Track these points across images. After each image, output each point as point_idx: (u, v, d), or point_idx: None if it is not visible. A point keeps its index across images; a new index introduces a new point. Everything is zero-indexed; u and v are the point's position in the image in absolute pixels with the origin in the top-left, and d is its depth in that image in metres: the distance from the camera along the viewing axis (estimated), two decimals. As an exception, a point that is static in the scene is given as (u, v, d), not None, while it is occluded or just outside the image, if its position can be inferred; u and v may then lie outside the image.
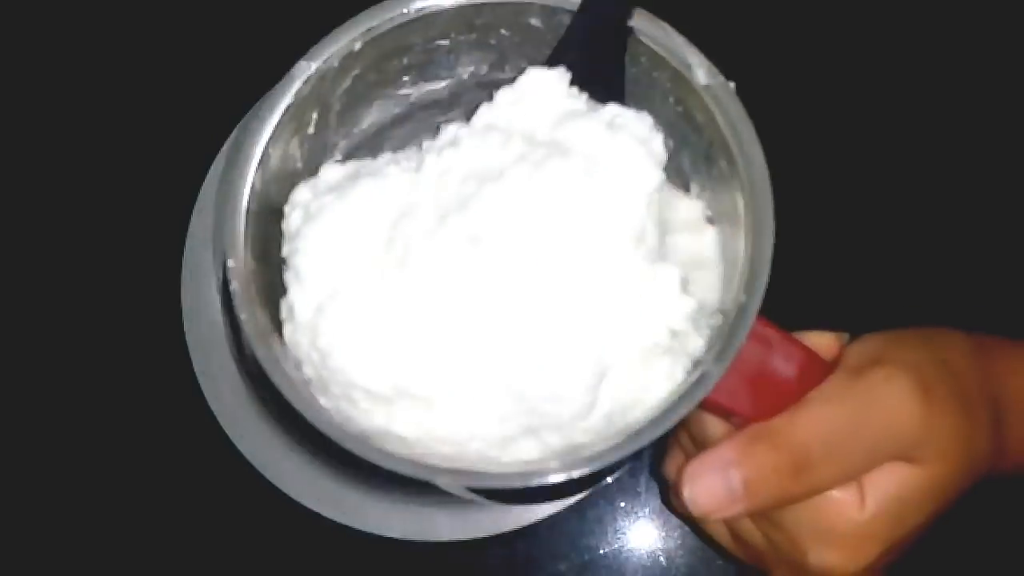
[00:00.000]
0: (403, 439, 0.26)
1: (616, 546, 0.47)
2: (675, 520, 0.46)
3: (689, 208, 0.30)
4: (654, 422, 0.23)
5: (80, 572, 0.47)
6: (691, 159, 0.30)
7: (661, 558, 0.46)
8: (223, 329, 0.43)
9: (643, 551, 0.46)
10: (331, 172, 0.28)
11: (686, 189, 0.31)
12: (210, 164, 0.47)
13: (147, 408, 0.48)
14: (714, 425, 0.26)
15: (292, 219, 0.27)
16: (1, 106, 0.52)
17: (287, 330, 0.26)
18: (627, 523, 0.47)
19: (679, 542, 0.46)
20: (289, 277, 0.27)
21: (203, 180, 0.47)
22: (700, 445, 0.27)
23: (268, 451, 0.42)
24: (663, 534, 0.46)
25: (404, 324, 0.24)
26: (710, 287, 0.28)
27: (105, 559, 0.47)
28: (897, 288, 0.48)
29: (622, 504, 0.47)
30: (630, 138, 0.26)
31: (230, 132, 0.47)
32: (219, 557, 0.47)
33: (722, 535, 0.29)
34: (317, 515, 0.43)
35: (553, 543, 0.47)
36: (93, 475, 0.48)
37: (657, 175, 0.26)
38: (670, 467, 0.29)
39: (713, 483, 0.23)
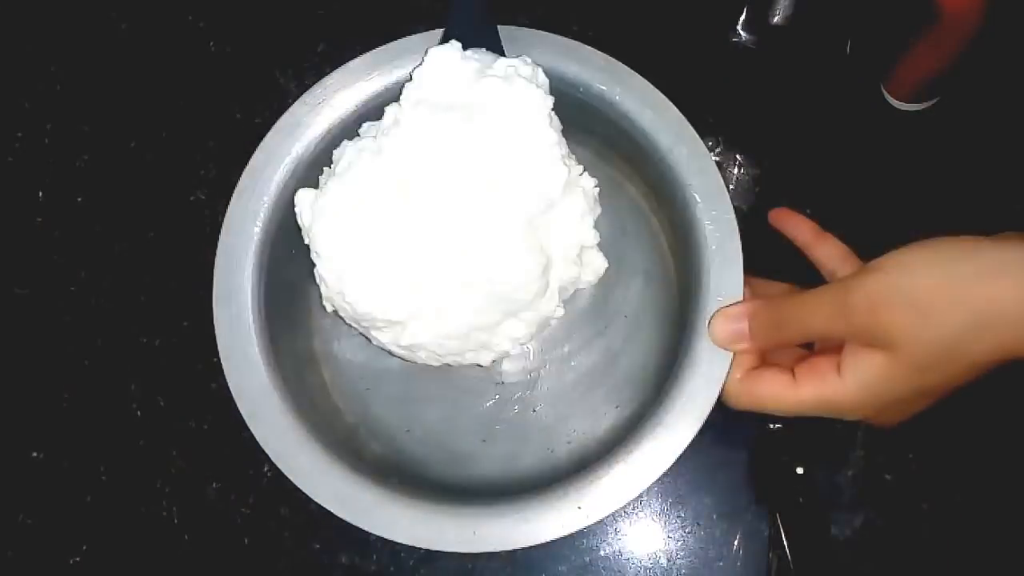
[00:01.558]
0: (421, 344, 0.39)
1: (616, 547, 0.47)
2: (676, 521, 0.47)
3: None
4: None
5: (95, 548, 0.48)
6: None
7: (662, 559, 0.47)
8: (252, 315, 0.42)
9: (644, 552, 0.47)
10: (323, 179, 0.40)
11: None
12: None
13: (171, 380, 0.50)
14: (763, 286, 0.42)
15: (303, 217, 0.40)
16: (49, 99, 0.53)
17: (322, 289, 0.40)
18: (627, 524, 0.47)
19: (680, 543, 0.47)
20: (313, 256, 0.39)
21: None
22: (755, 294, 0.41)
23: (284, 441, 0.40)
24: (664, 535, 0.47)
25: (402, 270, 0.38)
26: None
27: (116, 540, 0.47)
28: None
29: (623, 506, 0.47)
30: (523, 82, 0.38)
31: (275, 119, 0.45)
32: (223, 540, 0.47)
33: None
34: (323, 511, 0.41)
35: (553, 544, 0.46)
36: (112, 452, 0.48)
37: (549, 98, 0.39)
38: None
39: (727, 326, 0.39)
